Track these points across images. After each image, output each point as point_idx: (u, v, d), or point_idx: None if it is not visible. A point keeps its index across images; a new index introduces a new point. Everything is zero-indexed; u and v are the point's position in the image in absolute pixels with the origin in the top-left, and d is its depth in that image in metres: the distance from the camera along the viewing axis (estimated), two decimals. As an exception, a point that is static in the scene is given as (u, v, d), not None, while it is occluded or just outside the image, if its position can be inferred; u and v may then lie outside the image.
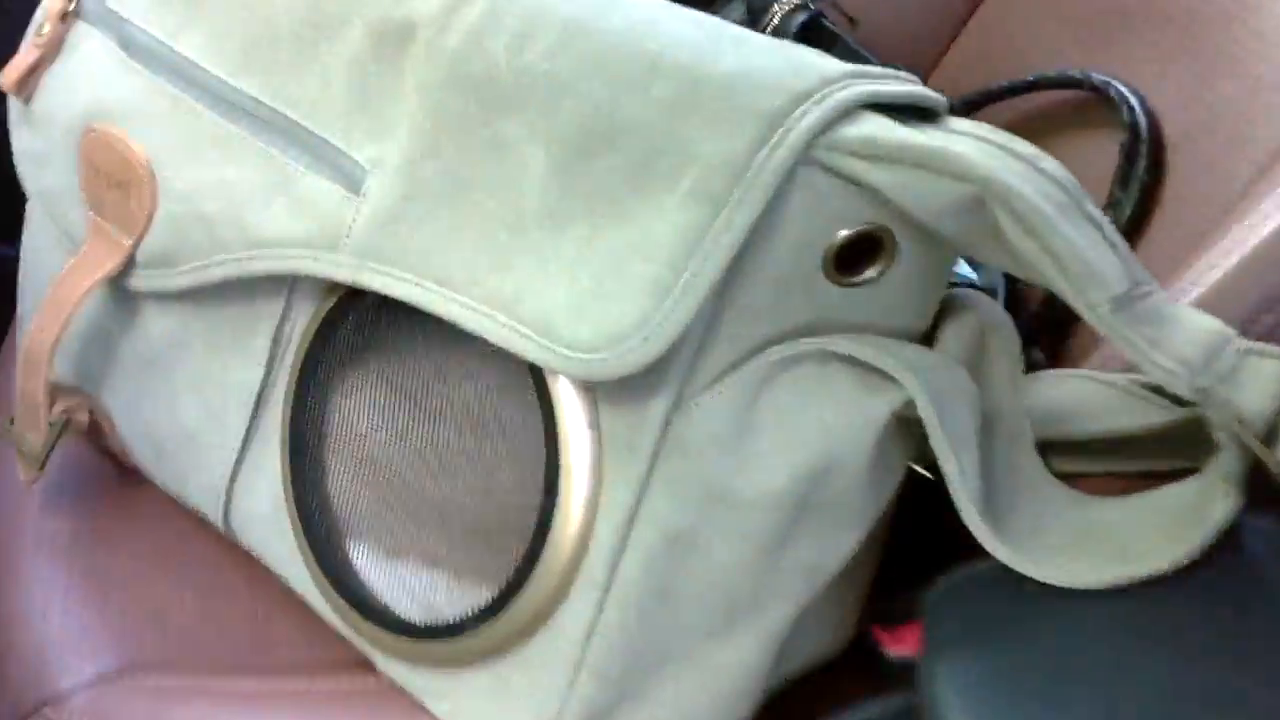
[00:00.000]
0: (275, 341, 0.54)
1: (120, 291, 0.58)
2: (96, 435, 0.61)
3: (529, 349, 0.42)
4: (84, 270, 0.56)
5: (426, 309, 0.45)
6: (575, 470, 0.45)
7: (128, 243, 0.55)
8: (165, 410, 0.58)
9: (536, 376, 0.45)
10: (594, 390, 0.44)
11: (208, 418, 0.56)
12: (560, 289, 0.42)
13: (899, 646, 0.53)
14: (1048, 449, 0.48)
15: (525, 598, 0.46)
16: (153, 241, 0.54)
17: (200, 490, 0.58)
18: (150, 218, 0.54)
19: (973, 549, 0.53)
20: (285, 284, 0.53)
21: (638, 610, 0.45)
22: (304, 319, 0.53)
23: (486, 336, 0.43)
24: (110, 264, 0.55)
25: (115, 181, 0.55)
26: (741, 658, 0.46)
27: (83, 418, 0.59)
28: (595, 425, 0.44)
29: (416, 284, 0.45)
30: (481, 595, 0.48)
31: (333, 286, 0.51)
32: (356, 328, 0.51)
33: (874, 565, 0.52)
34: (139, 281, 0.56)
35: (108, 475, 0.62)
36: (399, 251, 0.46)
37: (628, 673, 0.46)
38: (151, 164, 0.54)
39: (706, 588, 0.45)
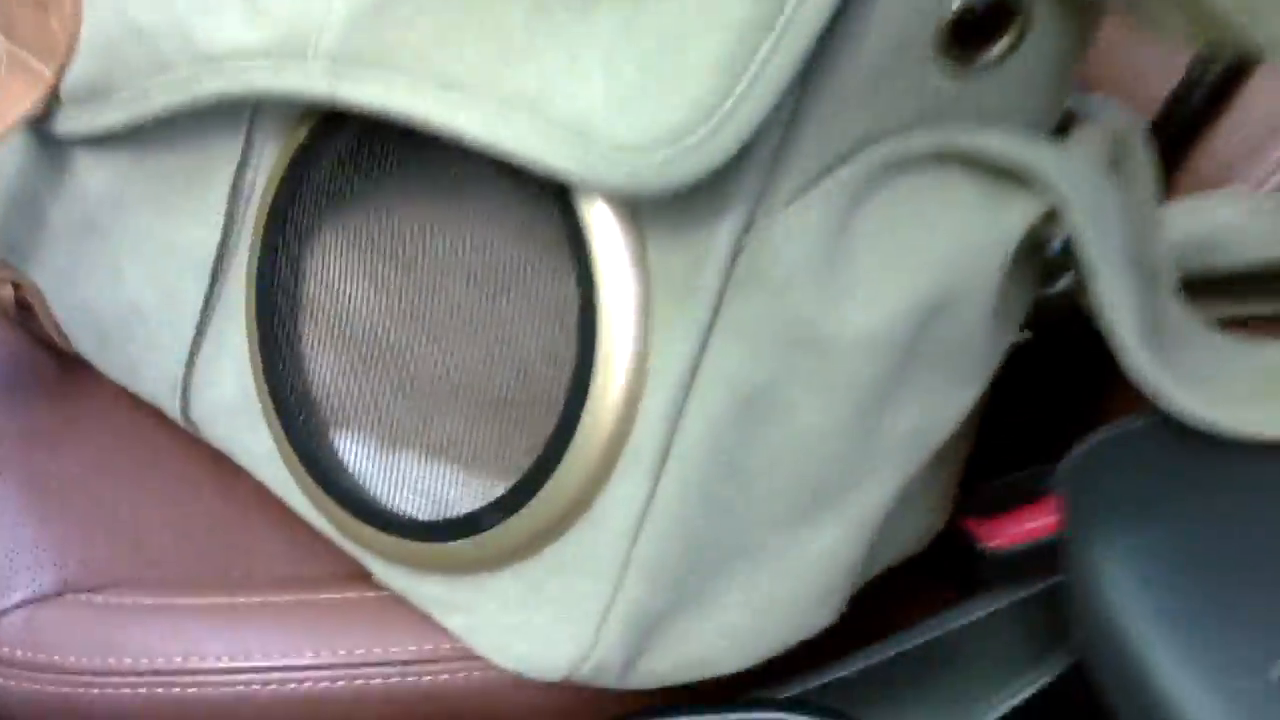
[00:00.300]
0: (234, 192, 0.44)
1: (45, 140, 0.48)
2: (26, 317, 0.51)
3: (560, 156, 0.33)
4: (-2, 112, 0.46)
5: (424, 124, 0.35)
6: (616, 320, 0.35)
7: (49, 72, 0.45)
8: (107, 284, 0.48)
9: (565, 206, 0.36)
10: (639, 216, 0.35)
11: (157, 290, 0.47)
12: (597, 82, 0.33)
13: (997, 539, 0.45)
14: (1185, 289, 0.39)
15: (557, 483, 0.37)
16: (80, 69, 0.44)
17: (153, 379, 0.48)
18: (74, 37, 0.44)
19: (1078, 422, 0.44)
20: (244, 119, 0.43)
21: (699, 493, 0.36)
22: (268, 162, 0.43)
23: (504, 149, 0.34)
24: (29, 101, 0.45)
25: (29, -5, 0.44)
26: (829, 548, 0.37)
27: (6, 293, 0.49)
28: (641, 261, 0.35)
29: (411, 90, 0.35)
30: (503, 483, 0.39)
31: (302, 116, 0.42)
32: (334, 168, 0.42)
33: (972, 438, 0.43)
34: (67, 123, 0.46)
35: (42, 365, 0.53)
36: (386, 51, 0.36)
37: (687, 572, 0.37)
38: (71, -32, 0.43)
39: (787, 461, 0.36)
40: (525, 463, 0.38)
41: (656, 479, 0.36)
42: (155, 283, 0.47)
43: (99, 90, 0.44)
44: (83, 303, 0.49)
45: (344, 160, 0.41)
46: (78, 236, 0.49)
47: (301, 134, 0.42)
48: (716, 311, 0.35)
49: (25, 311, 0.50)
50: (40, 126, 0.47)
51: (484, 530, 0.39)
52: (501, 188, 0.38)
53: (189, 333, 0.46)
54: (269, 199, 0.43)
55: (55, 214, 0.49)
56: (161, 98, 0.42)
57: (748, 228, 0.34)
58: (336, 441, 0.43)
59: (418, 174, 0.40)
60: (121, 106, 0.44)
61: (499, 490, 0.39)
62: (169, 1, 0.41)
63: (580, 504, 0.38)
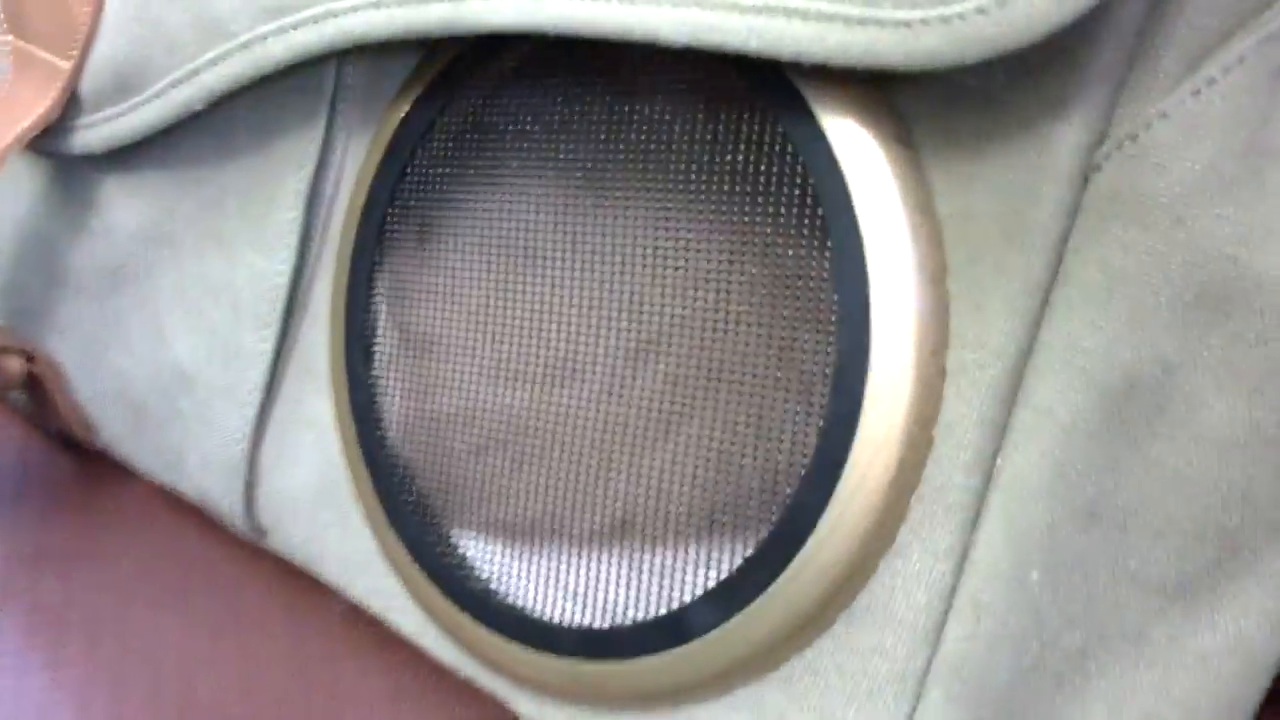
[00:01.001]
0: (310, 205, 0.33)
1: (62, 170, 0.37)
2: (41, 401, 0.39)
3: (807, 34, 0.21)
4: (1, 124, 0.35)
5: (593, 29, 0.24)
6: (890, 298, 0.23)
7: (66, 65, 0.34)
8: (143, 347, 0.37)
9: (797, 132, 0.24)
10: (915, 134, 0.23)
11: (209, 346, 0.35)
12: None
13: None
14: None
15: (810, 556, 0.25)
16: (105, 53, 0.34)
17: (204, 468, 0.36)
18: (99, 7, 0.33)
19: None
20: (320, 106, 0.32)
21: (1038, 553, 0.23)
22: (354, 160, 0.32)
23: (716, 40, 0.22)
24: (42, 106, 0.34)
25: (42, -33, 0.34)
26: (1246, 635, 0.24)
27: (14, 369, 0.37)
28: (924, 206, 0.23)
29: None
30: (721, 562, 0.26)
31: (402, 89, 0.31)
32: (449, 146, 0.30)
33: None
34: (90, 134, 0.35)
35: (57, 465, 0.40)
36: None
37: (1018, 682, 0.24)
38: (96, -80, 0.33)
39: (1183, 493, 0.23)
40: (756, 531, 0.26)
41: (968, 536, 0.24)
42: (207, 337, 0.35)
43: (130, 79, 0.33)
44: (112, 375, 0.38)
45: (463, 132, 0.30)
46: (106, 290, 0.37)
47: (402, 108, 0.31)
48: (1058, 267, 0.23)
49: (37, 393, 0.39)
50: (57, 147, 0.36)
51: (697, 635, 0.26)
52: (692, 126, 0.26)
53: (253, 399, 0.34)
54: (359, 204, 0.32)
55: (77, 263, 0.38)
56: (215, 74, 0.31)
57: (1104, 132, 0.22)
58: (460, 531, 0.31)
59: (568, 135, 0.28)
60: (160, 96, 0.33)
61: (716, 573, 0.26)
62: (224, -62, 0.31)
63: (847, 585, 0.25)
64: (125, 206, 0.36)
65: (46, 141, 0.36)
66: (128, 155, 0.35)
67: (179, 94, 0.32)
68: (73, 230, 0.37)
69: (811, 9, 0.22)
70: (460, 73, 0.30)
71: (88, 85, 0.34)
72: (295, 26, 0.29)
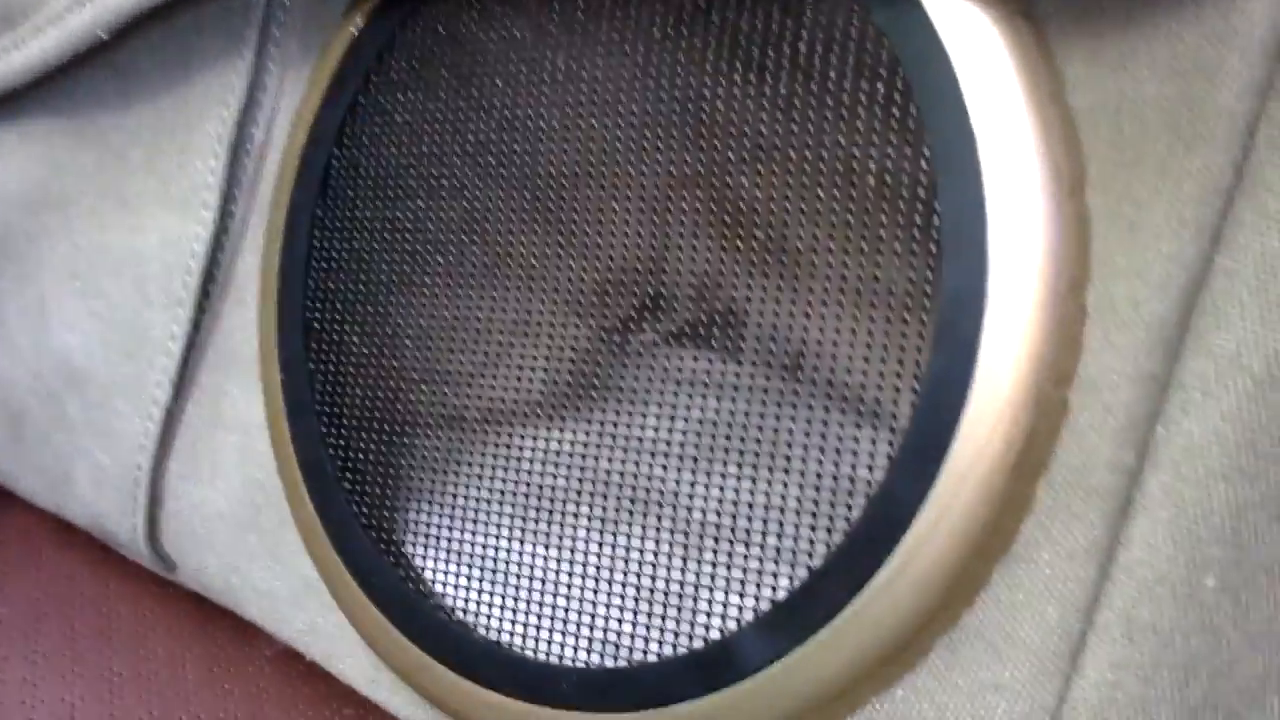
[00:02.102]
0: (235, 149, 0.27)
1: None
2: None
3: None
4: None
5: None
6: (1016, 210, 0.18)
7: (-68, -12, 0.28)
8: (21, 337, 0.30)
9: (891, 6, 0.19)
10: (1040, 14, 0.18)
11: (109, 330, 0.28)
12: None
13: None
14: None
15: (903, 567, 0.19)
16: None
17: (97, 484, 0.29)
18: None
19: None
20: (250, 27, 0.26)
21: (1225, 543, 0.18)
22: (291, 97, 0.26)
23: None
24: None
25: None
26: None
27: None
28: (1056, 97, 0.18)
29: None
30: (776, 578, 0.20)
31: (353, 5, 0.25)
32: (414, 60, 0.25)
33: None
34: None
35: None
36: None
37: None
38: None
39: None
40: (827, 533, 0.20)
41: (1118, 531, 0.18)
42: (103, 322, 0.28)
43: (18, 5, 0.27)
44: (-16, 377, 0.31)
45: (430, 49, 0.24)
46: (-22, 271, 0.31)
47: (353, 24, 0.25)
48: (1245, 168, 0.17)
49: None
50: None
51: (747, 675, 0.20)
52: (736, 11, 0.20)
53: (160, 395, 0.28)
54: (297, 147, 0.26)
55: (-57, 239, 0.31)
56: (119, -11, 0.25)
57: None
58: (423, 552, 0.24)
59: (575, 39, 0.23)
60: (55, 23, 0.26)
61: (773, 592, 0.20)
62: None
63: (951, 603, 0.19)
64: (4, 166, 0.29)
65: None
66: (8, 102, 0.29)
67: (76, 20, 0.26)
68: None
69: None
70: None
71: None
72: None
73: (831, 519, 0.19)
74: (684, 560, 0.21)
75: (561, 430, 0.23)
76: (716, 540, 0.21)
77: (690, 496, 0.21)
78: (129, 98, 0.28)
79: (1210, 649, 0.18)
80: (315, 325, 0.26)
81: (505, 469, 0.24)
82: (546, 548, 0.23)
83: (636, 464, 0.22)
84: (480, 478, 0.24)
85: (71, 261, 0.29)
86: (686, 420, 0.21)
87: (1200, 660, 0.18)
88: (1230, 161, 0.17)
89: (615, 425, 0.22)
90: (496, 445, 0.24)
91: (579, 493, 0.23)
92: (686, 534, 0.21)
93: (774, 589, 0.20)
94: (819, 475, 0.20)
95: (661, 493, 0.22)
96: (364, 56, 0.25)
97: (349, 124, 0.25)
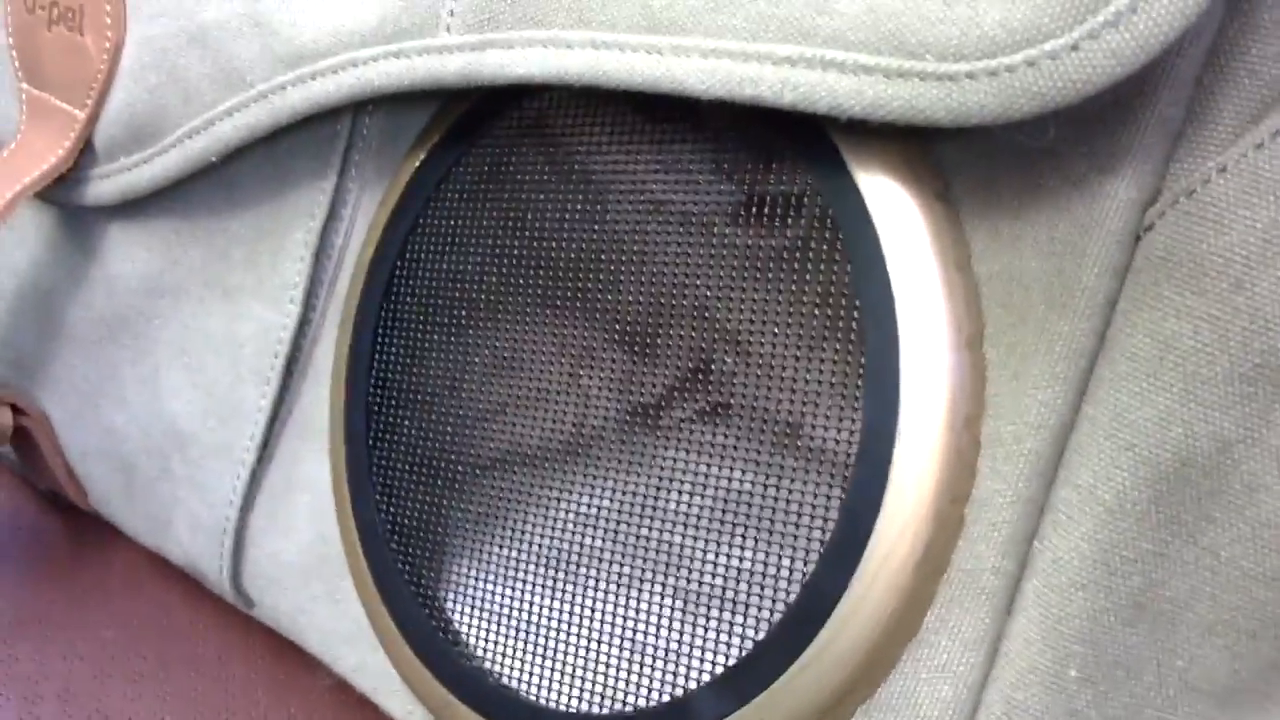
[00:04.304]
0: (317, 257, 0.32)
1: (66, 220, 0.36)
2: (29, 456, 0.38)
3: (844, 87, 0.20)
4: (8, 175, 0.34)
5: (627, 80, 0.23)
6: (921, 363, 0.22)
7: (81, 113, 0.33)
8: (138, 402, 0.35)
9: (832, 190, 0.23)
10: (953, 189, 0.22)
11: (208, 401, 0.34)
12: None
13: None
14: None
15: (828, 644, 0.23)
16: (121, 101, 0.33)
17: (192, 529, 0.34)
18: (114, 57, 0.33)
19: None
20: (336, 153, 0.31)
21: (1085, 641, 0.21)
22: (365, 211, 0.31)
23: (763, 94, 0.21)
24: (54, 155, 0.34)
25: (61, 11, 0.33)
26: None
27: (3, 421, 0.36)
28: (963, 265, 0.22)
29: (604, 44, 0.24)
30: (728, 647, 0.24)
31: (423, 137, 0.30)
32: (466, 190, 0.29)
33: None
34: (100, 185, 0.34)
35: (41, 528, 0.39)
36: (560, 5, 0.25)
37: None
38: (117, -35, 0.33)
39: (1247, 582, 0.21)
40: (770, 613, 0.24)
41: (1001, 625, 0.22)
42: (205, 393, 0.34)
43: (146, 130, 0.33)
44: (103, 432, 0.36)
45: (479, 183, 0.29)
46: (103, 342, 0.36)
47: (417, 157, 0.30)
48: (1105, 333, 0.21)
49: (25, 447, 0.37)
50: (68, 197, 0.35)
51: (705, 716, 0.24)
52: (719, 177, 0.25)
53: (248, 459, 0.33)
54: (367, 257, 0.31)
55: (74, 314, 0.37)
56: (232, 123, 0.31)
57: (1158, 189, 0.21)
58: (454, 607, 0.29)
59: (590, 186, 0.27)
60: (176, 147, 0.32)
61: (725, 659, 0.24)
62: (245, -14, 0.30)
63: (868, 676, 0.23)
64: (129, 256, 0.35)
65: (58, 191, 0.35)
66: (135, 204, 0.34)
67: (194, 145, 0.32)
68: (72, 279, 0.36)
69: (849, 61, 0.20)
70: (479, 121, 0.29)
71: (102, 135, 0.33)
72: (314, 76, 0.29)
73: (774, 603, 0.23)
74: (660, 632, 0.25)
75: (590, 497, 0.28)
76: (685, 616, 0.25)
77: (698, 561, 0.25)
78: (233, 206, 0.33)
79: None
80: (375, 407, 0.30)
81: (535, 538, 0.28)
82: (565, 600, 0.27)
83: (660, 531, 0.26)
84: (510, 548, 0.29)
85: (181, 340, 0.34)
86: (711, 493, 0.25)
87: None
88: (1092, 328, 0.21)
89: (645, 495, 0.26)
90: (525, 520, 0.29)
91: (600, 557, 0.27)
92: (685, 594, 0.25)
93: (727, 657, 0.24)
94: (765, 568, 0.24)
95: (672, 557, 0.26)
96: (425, 185, 0.30)
97: (410, 240, 0.30)
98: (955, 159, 0.22)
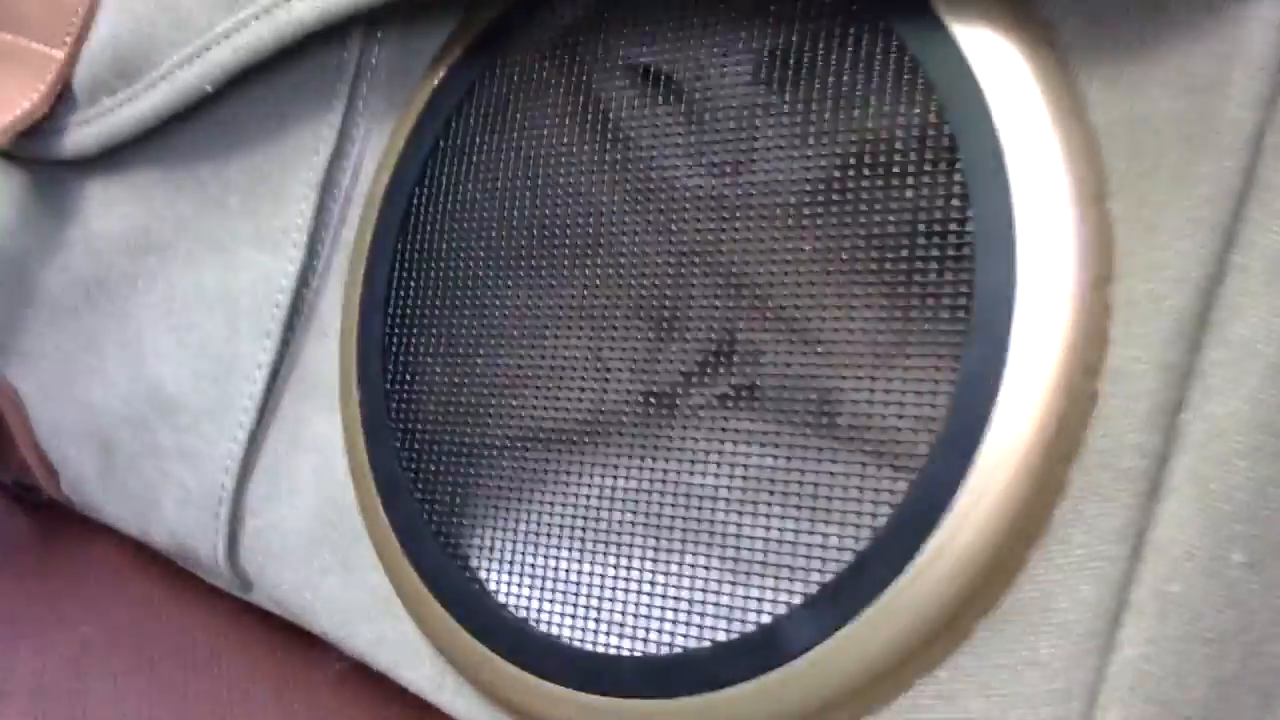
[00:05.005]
0: (324, 194, 0.29)
1: (38, 172, 0.33)
2: (-4, 440, 0.34)
3: None
4: (-22, 121, 0.31)
5: None
6: (1043, 217, 0.20)
7: (58, 52, 0.31)
8: (119, 371, 0.32)
9: (924, 40, 0.21)
10: (1062, 43, 0.20)
11: (200, 361, 0.30)
12: None
13: None
14: None
15: (943, 543, 0.20)
16: (104, 36, 0.30)
17: (182, 505, 0.31)
18: (99, -17, 0.30)
19: None
20: (342, 83, 0.29)
21: (1251, 520, 0.19)
22: (378, 144, 0.29)
23: None
24: (27, 100, 0.31)
25: (38, -59, 0.31)
26: None
27: (-30, 397, 0.33)
28: (1077, 114, 0.20)
29: None
30: (821, 561, 0.21)
31: (442, 55, 0.27)
32: (493, 106, 0.27)
33: None
34: (79, 132, 0.31)
35: (15, 524, 0.35)
36: None
37: (1218, 694, 0.19)
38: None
39: None
40: (869, 517, 0.21)
41: (1148, 512, 0.19)
42: (196, 352, 0.30)
43: (132, 63, 0.30)
44: (81, 408, 0.33)
45: (509, 95, 0.27)
46: (80, 309, 0.33)
47: (436, 75, 0.27)
48: (1254, 171, 0.19)
49: (-7, 428, 0.34)
50: (44, 149, 0.32)
51: (793, 657, 0.21)
52: (796, 55, 0.23)
53: (246, 420, 0.30)
54: (381, 188, 0.28)
55: (48, 282, 0.33)
56: (227, 49, 0.28)
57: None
58: (489, 555, 0.26)
59: (643, 86, 0.25)
60: (166, 78, 0.29)
61: (818, 575, 0.21)
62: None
63: (989, 584, 0.20)
64: (109, 213, 0.32)
65: (32, 143, 0.32)
66: (116, 154, 0.32)
67: (187, 74, 0.29)
68: (46, 243, 0.33)
69: None
70: (506, 33, 0.27)
71: (83, 74, 0.31)
72: (320, -18, 0.26)
73: (873, 505, 0.21)
74: (733, 552, 0.22)
75: (619, 472, 0.25)
76: (763, 530, 0.22)
77: (738, 524, 0.22)
78: (229, 149, 0.30)
79: (1239, 625, 0.19)
80: (392, 349, 0.28)
81: (567, 498, 0.25)
82: (604, 563, 0.25)
83: (689, 507, 0.24)
84: (543, 502, 0.26)
85: (168, 299, 0.31)
86: (737, 470, 0.23)
87: (1230, 636, 0.19)
88: (1239, 167, 0.19)
89: (669, 475, 0.24)
90: (559, 473, 0.26)
91: (635, 526, 0.24)
92: (735, 530, 0.23)
93: (820, 574, 0.21)
94: (862, 465, 0.21)
95: (712, 524, 0.23)
96: (446, 103, 0.27)
97: (430, 165, 0.27)
98: (1060, 2, 0.20)
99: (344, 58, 0.29)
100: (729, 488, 0.23)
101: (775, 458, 0.22)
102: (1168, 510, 0.19)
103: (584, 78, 0.26)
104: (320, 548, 0.28)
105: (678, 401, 0.26)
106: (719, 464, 0.23)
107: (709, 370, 0.26)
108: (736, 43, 0.23)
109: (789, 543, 0.21)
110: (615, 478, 0.25)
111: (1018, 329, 0.19)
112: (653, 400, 0.25)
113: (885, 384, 0.21)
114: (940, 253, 0.20)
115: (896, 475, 0.21)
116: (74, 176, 0.33)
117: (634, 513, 0.24)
